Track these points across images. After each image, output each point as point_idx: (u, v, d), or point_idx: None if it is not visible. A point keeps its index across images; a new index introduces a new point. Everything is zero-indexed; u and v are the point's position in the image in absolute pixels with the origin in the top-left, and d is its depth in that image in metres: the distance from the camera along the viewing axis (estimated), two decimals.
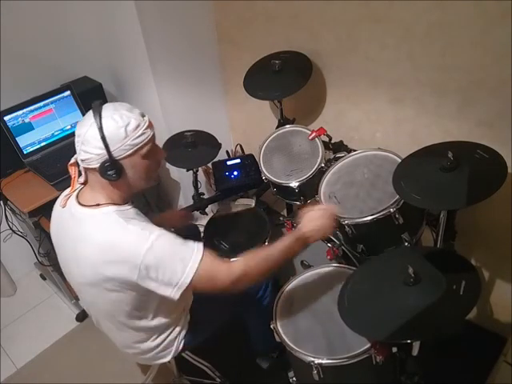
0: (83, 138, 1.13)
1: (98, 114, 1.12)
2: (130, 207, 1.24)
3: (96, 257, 1.16)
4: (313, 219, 1.34)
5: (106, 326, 1.40)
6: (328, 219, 1.35)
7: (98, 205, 1.19)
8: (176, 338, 1.44)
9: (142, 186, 1.26)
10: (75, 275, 1.29)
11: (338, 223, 1.33)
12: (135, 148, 1.15)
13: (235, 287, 1.22)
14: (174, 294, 1.16)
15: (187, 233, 1.91)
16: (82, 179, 1.23)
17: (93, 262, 1.17)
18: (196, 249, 1.17)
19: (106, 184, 1.19)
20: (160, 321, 1.35)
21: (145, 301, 1.26)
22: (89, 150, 1.13)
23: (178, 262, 1.14)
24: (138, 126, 1.15)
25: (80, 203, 1.22)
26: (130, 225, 1.16)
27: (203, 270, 1.15)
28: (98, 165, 1.13)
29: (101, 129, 1.11)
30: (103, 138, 1.11)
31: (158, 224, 1.22)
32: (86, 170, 1.20)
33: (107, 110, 1.14)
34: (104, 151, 1.12)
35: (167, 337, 1.41)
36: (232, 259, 1.23)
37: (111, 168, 1.14)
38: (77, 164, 1.24)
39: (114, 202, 1.21)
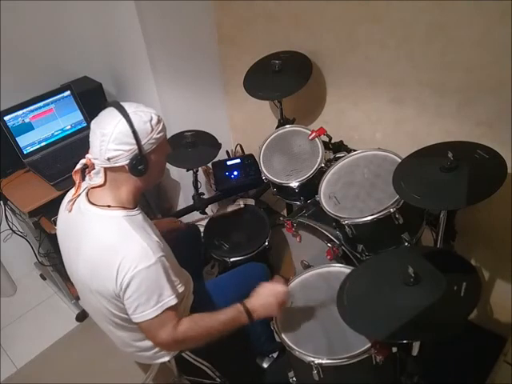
0: (111, 136, 1.13)
1: (125, 111, 1.13)
2: (138, 212, 1.25)
3: (96, 256, 1.18)
4: (261, 296, 1.34)
5: (103, 325, 1.40)
6: (275, 299, 1.33)
7: (108, 206, 1.20)
8: None
9: (155, 182, 1.30)
10: (74, 271, 1.29)
11: (284, 305, 1.36)
12: (158, 142, 1.19)
13: (171, 347, 1.31)
14: (133, 317, 1.19)
15: (188, 233, 1.93)
16: (98, 180, 1.22)
17: (91, 260, 1.19)
18: (175, 294, 1.19)
19: (127, 182, 1.20)
20: None
21: None
22: (119, 147, 1.13)
23: (156, 296, 1.16)
24: (158, 121, 1.19)
25: (90, 202, 1.23)
26: (137, 235, 1.16)
27: (164, 315, 1.18)
28: (127, 161, 1.15)
29: (131, 124, 1.12)
30: (135, 133, 1.13)
31: None
32: (107, 169, 1.19)
33: (129, 107, 1.16)
34: (134, 146, 1.14)
35: None
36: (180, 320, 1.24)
37: (141, 162, 1.16)
38: (81, 171, 1.25)
39: (124, 206, 1.22)
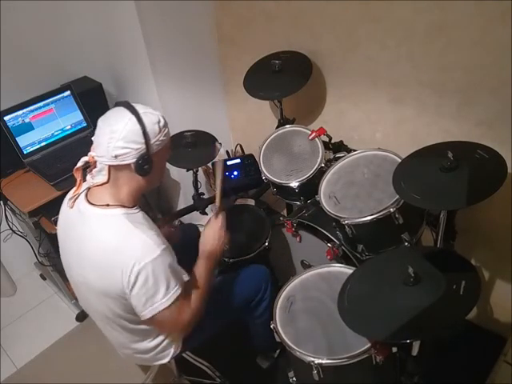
0: (121, 134, 1.13)
1: (136, 111, 1.15)
2: (137, 211, 1.25)
3: (98, 256, 1.18)
4: (208, 235, 1.41)
5: (102, 326, 1.41)
6: (217, 239, 1.41)
7: (107, 205, 1.20)
8: (174, 340, 1.43)
9: (154, 185, 1.31)
10: (74, 272, 1.29)
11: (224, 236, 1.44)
12: (163, 145, 1.21)
13: (189, 325, 1.29)
14: (143, 314, 1.19)
15: (187, 233, 1.92)
16: (101, 178, 1.21)
17: (94, 260, 1.19)
18: (179, 284, 1.21)
19: (130, 181, 1.21)
20: None
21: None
22: (128, 145, 1.14)
23: (163, 288, 1.17)
24: (165, 124, 1.21)
25: (89, 202, 1.22)
26: (137, 230, 1.17)
27: (174, 306, 1.20)
28: (134, 159, 1.16)
29: (142, 123, 1.14)
30: (145, 133, 1.14)
31: None
32: (111, 167, 1.19)
33: (139, 107, 1.18)
34: (143, 145, 1.15)
35: (165, 339, 1.40)
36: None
37: (147, 162, 1.18)
38: (83, 168, 1.26)
39: (123, 205, 1.21)
